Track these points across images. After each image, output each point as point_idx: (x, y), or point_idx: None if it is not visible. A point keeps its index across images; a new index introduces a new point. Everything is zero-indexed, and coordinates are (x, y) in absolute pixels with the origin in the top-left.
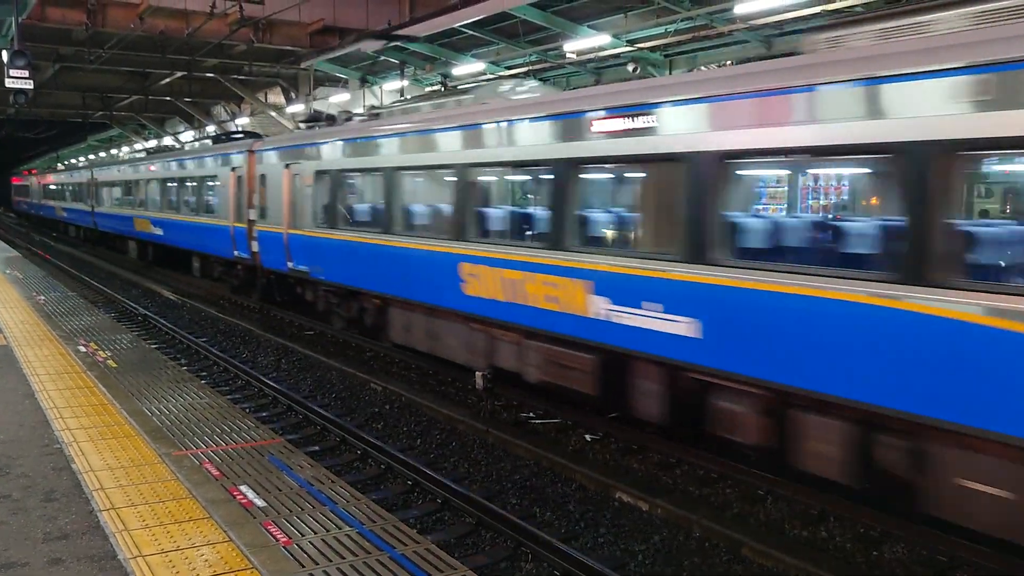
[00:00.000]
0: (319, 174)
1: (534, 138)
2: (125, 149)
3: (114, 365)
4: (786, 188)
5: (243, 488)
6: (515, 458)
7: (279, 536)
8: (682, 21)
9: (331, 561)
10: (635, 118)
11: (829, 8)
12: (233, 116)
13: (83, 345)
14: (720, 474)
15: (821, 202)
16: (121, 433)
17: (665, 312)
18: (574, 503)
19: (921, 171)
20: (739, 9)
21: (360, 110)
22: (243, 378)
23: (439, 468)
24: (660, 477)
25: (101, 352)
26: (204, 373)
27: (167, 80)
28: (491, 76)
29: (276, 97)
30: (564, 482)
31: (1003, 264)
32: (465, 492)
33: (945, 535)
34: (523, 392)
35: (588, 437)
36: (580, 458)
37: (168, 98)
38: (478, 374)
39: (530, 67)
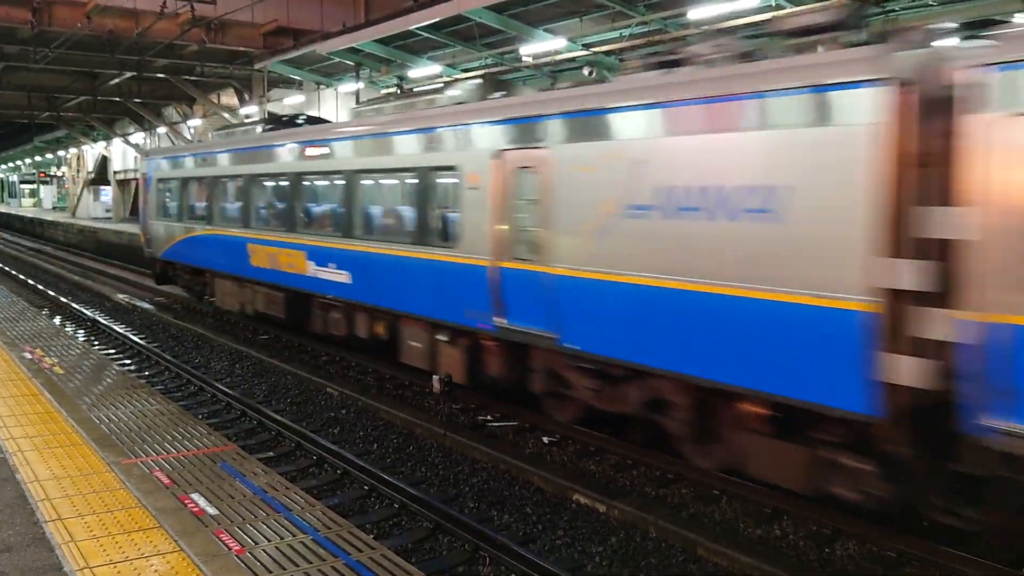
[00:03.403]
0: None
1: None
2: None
3: (61, 372)
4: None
5: (195, 496)
6: (473, 461)
7: (232, 545)
8: (637, 25)
9: (285, 569)
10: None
11: (779, 14)
12: (185, 118)
13: (28, 351)
14: (676, 475)
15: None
16: (68, 442)
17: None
18: (532, 506)
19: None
20: (693, 14)
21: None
22: (195, 384)
23: (396, 472)
24: (617, 479)
25: (47, 359)
26: (155, 379)
27: (116, 80)
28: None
29: (229, 98)
30: (522, 485)
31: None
32: (422, 496)
33: (894, 533)
34: (481, 395)
35: (546, 440)
36: (538, 461)
37: (117, 99)
38: (435, 378)
39: (486, 70)
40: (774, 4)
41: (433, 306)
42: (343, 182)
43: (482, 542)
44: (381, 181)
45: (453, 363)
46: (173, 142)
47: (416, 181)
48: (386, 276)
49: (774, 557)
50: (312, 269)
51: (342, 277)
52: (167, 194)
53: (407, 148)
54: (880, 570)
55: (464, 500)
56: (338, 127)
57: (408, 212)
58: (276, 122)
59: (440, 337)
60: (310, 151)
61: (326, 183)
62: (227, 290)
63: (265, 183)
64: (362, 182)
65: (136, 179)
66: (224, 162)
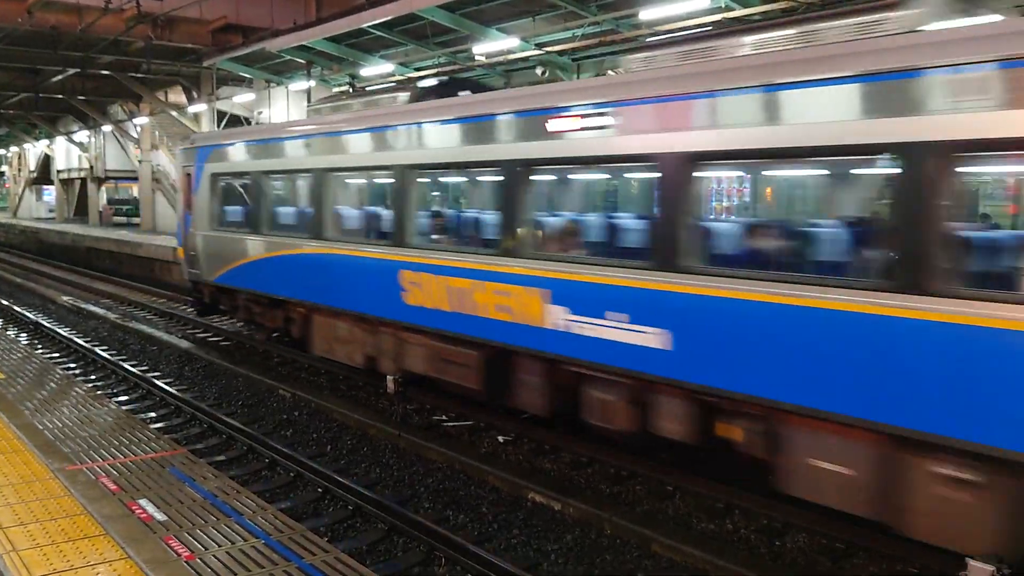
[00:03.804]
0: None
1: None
2: None
3: (2, 376)
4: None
5: (142, 502)
6: (428, 462)
7: (181, 551)
8: (589, 26)
9: (236, 574)
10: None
11: (729, 16)
12: (131, 116)
13: None
14: (631, 472)
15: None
16: (9, 448)
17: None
18: (487, 505)
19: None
20: (644, 15)
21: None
22: (143, 387)
23: (350, 474)
24: (572, 477)
25: None
26: (101, 383)
27: (59, 77)
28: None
29: (177, 96)
30: (477, 484)
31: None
32: (377, 498)
33: (842, 523)
34: (435, 395)
35: (501, 439)
36: (493, 460)
37: (60, 96)
38: (389, 378)
39: (439, 69)
40: (723, 5)
41: (952, 415)
42: (660, 174)
43: (437, 542)
44: (775, 173)
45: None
46: (119, 140)
47: (904, 170)
48: (780, 343)
49: (726, 551)
50: (559, 319)
51: (642, 337)
52: (230, 195)
53: (880, 104)
54: (828, 562)
55: (419, 501)
56: (633, 81)
57: (863, 228)
58: (448, 86)
59: (961, 474)
60: (563, 124)
61: (609, 176)
62: (340, 334)
63: (445, 178)
64: (706, 174)
65: (80, 178)
66: (351, 147)
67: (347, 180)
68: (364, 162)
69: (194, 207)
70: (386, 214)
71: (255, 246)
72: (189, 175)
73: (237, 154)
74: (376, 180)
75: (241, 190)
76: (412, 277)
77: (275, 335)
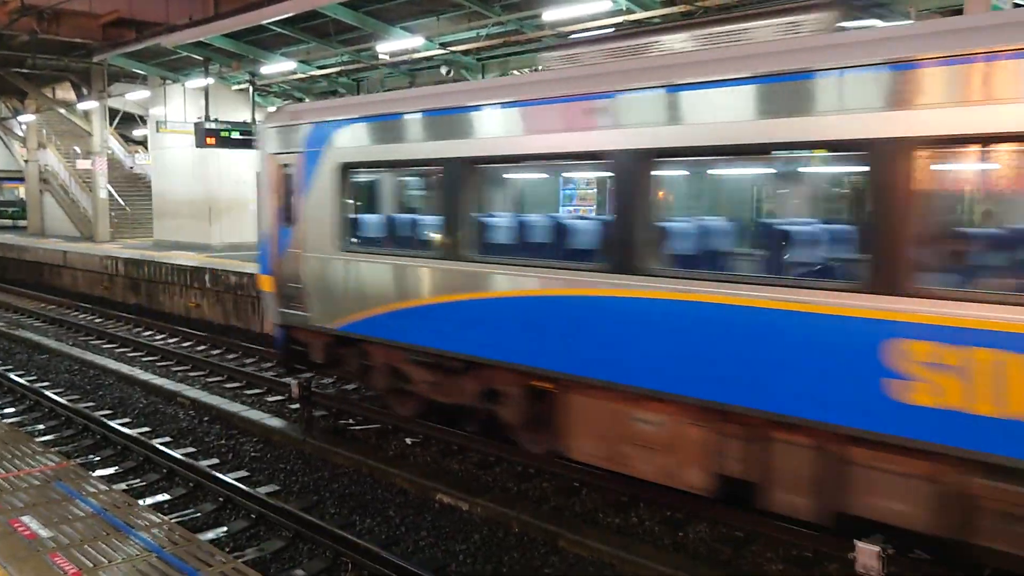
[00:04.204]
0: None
1: None
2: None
3: None
4: None
5: (25, 519)
6: (334, 466)
7: (68, 568)
8: (493, 26)
9: None
10: None
11: (630, 18)
12: (15, 113)
13: None
14: (538, 469)
15: None
16: None
17: None
18: (395, 508)
19: None
20: (547, 16)
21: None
22: (31, 398)
23: (252, 482)
24: (480, 476)
25: None
26: None
27: None
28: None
29: (66, 93)
30: (385, 487)
31: None
32: (280, 505)
33: (741, 512)
34: (341, 399)
35: (408, 440)
36: (401, 462)
37: None
38: (293, 382)
39: (343, 67)
40: (624, 8)
41: None
42: None
43: (344, 548)
44: None
45: None
46: (3, 139)
47: None
48: None
49: (631, 544)
50: None
51: None
52: (380, 199)
53: None
54: (729, 550)
55: (325, 506)
56: None
57: None
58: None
59: None
60: None
61: None
62: (644, 433)
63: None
64: None
65: None
66: (722, 112)
67: (705, 171)
68: (770, 135)
69: (300, 217)
70: (821, 233)
71: (441, 280)
72: (287, 166)
73: (400, 131)
74: (793, 169)
75: (407, 191)
76: (933, 353)
77: (424, 412)
